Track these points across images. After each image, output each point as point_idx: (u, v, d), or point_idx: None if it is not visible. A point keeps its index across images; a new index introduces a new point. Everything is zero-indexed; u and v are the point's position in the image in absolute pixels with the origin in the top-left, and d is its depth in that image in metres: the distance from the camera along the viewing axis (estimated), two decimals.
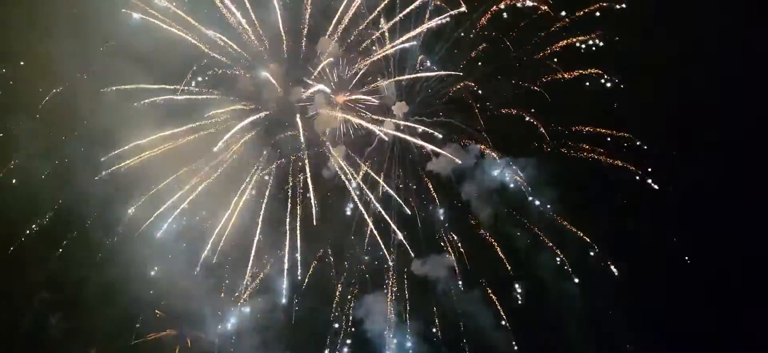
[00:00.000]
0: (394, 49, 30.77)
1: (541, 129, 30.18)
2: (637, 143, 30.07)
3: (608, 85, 30.21)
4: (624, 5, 30.33)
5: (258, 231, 30.09)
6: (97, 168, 29.83)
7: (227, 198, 30.15)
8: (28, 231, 30.05)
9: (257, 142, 31.07)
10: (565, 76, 29.99)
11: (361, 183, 30.99)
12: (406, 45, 30.62)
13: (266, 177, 31.19)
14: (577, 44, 30.25)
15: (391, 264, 31.15)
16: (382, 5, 30.30)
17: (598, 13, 30.30)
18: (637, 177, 30.01)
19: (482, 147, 31.13)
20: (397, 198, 30.81)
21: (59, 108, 30.38)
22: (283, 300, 31.46)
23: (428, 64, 31.56)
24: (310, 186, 30.43)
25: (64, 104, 30.45)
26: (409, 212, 30.92)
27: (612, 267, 29.94)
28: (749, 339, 28.10)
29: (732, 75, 28.72)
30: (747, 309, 28.39)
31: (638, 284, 29.31)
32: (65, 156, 30.62)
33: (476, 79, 30.97)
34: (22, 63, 30.90)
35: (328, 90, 31.14)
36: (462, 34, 31.10)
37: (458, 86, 31.06)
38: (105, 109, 30.02)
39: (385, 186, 30.84)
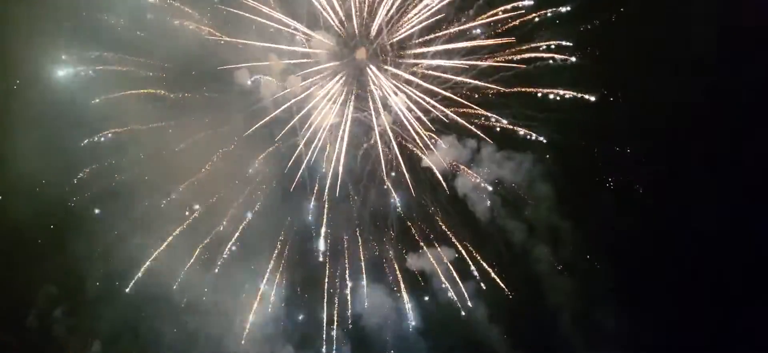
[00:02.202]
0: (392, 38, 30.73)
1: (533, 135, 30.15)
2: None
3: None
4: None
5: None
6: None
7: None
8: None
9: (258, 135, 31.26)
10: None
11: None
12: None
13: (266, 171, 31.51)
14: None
15: (387, 257, 31.65)
16: None
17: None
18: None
19: (479, 141, 30.93)
20: (393, 192, 31.01)
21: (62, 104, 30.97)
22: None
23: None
24: (309, 183, 30.78)
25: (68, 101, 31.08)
26: (399, 208, 30.97)
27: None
28: (747, 340, 27.67)
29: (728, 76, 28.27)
30: (744, 309, 27.99)
31: (633, 282, 29.11)
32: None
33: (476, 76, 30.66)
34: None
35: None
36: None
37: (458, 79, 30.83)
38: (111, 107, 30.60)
39: (382, 179, 31.04)
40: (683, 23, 29.77)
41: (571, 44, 29.93)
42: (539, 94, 30.18)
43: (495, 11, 30.11)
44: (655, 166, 30.30)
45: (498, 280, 30.53)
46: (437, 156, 30.84)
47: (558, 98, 30.07)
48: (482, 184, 31.14)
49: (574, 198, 30.43)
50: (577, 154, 30.51)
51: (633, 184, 30.77)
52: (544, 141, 30.47)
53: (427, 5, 30.31)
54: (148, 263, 30.36)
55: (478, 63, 30.29)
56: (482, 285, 30.74)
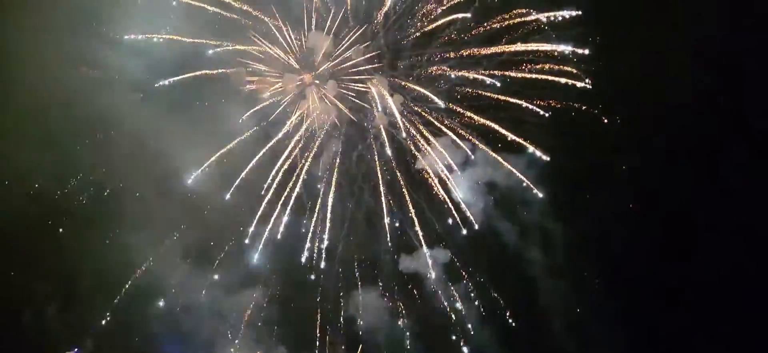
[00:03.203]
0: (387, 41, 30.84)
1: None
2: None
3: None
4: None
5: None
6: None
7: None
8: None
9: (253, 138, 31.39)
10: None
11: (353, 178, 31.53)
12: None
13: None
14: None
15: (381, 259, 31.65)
16: None
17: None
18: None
19: (474, 143, 30.76)
20: (388, 195, 30.99)
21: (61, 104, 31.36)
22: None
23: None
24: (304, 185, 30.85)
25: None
26: (394, 210, 30.96)
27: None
28: (744, 341, 27.25)
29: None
30: (742, 310, 27.58)
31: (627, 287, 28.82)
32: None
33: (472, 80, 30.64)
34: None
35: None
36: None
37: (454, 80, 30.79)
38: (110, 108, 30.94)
39: (377, 182, 31.02)
40: (684, 25, 29.59)
41: (569, 48, 29.86)
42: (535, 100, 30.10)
43: (500, 17, 30.16)
44: (650, 171, 30.16)
45: (492, 284, 30.65)
46: (432, 158, 30.79)
47: (553, 104, 29.97)
48: (477, 186, 31.11)
49: (568, 203, 30.42)
50: (574, 158, 30.37)
51: (628, 190, 30.53)
52: (541, 155, 30.46)
53: (425, 13, 30.50)
54: (145, 265, 30.71)
55: (477, 75, 30.30)
56: (474, 289, 30.88)
